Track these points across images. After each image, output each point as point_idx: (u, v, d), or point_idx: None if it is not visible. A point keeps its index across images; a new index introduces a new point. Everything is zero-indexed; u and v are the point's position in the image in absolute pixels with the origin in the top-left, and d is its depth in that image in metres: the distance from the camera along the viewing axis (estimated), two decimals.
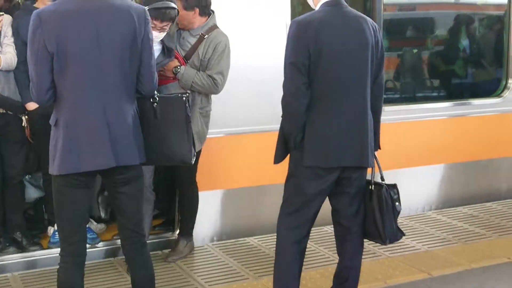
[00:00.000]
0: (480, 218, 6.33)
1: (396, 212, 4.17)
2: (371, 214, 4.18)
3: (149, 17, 3.77)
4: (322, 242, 5.62)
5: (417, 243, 5.66)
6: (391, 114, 6.28)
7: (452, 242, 5.71)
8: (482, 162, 6.93)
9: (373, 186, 4.18)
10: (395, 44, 7.29)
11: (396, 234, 4.21)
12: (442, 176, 6.76)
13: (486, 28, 7.62)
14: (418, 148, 6.54)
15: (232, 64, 5.09)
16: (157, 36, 4.57)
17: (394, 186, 4.19)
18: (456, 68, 7.51)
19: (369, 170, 4.21)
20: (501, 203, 6.77)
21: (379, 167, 4.25)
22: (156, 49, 4.65)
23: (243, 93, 5.51)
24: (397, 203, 4.16)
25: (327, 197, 4.24)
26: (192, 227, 5.33)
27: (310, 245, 5.35)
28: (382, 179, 4.21)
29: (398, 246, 5.41)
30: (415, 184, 6.57)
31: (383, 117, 5.84)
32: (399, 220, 5.65)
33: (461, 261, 5.28)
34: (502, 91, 6.96)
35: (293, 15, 5.61)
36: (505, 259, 5.34)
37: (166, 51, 4.82)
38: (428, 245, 5.62)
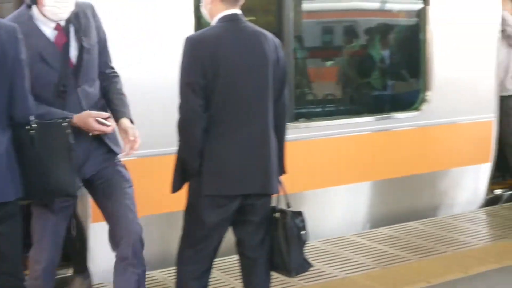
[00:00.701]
0: (400, 239, 6.08)
1: (302, 242, 3.88)
2: (276, 244, 3.87)
3: (21, 36, 3.38)
4: (232, 272, 5.26)
5: (334, 269, 5.36)
6: (306, 131, 6.03)
7: (371, 266, 5.43)
8: (403, 179, 6.74)
9: (278, 213, 3.88)
10: (313, 55, 7.04)
11: (303, 266, 3.92)
12: (361, 195, 6.53)
13: (405, 38, 7.45)
14: (334, 167, 6.28)
15: (136, 80, 4.73)
16: None
17: (299, 214, 3.90)
18: (374, 81, 7.29)
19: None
20: (423, 222, 6.56)
21: (285, 193, 3.95)
22: None
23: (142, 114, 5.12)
24: (303, 232, 3.87)
25: (230, 227, 3.93)
26: (87, 262, 4.92)
27: (220, 276, 5.03)
28: (288, 205, 3.92)
29: (314, 273, 5.08)
30: (333, 206, 6.34)
31: (297, 135, 5.68)
32: (316, 245, 5.45)
33: (380, 287, 5.03)
34: (421, 104, 6.78)
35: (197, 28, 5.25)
36: (425, 283, 5.10)
37: None
38: (345, 271, 5.32)
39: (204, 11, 3.93)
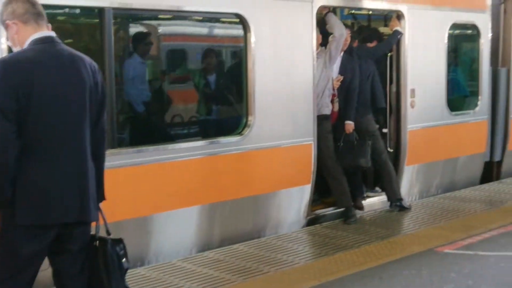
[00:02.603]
0: (226, 262, 6.13)
1: (123, 270, 3.79)
2: (96, 273, 3.75)
3: None
4: None
5: None
6: (128, 157, 5.96)
7: None
8: (229, 203, 6.82)
9: (97, 242, 3.76)
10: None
11: None
12: (187, 220, 6.53)
13: (228, 64, 7.58)
14: (159, 193, 6.23)
15: None
16: None
17: (120, 241, 3.81)
18: (200, 106, 7.33)
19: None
20: (247, 244, 6.66)
21: (105, 220, 3.85)
22: None
23: None
24: (124, 260, 3.78)
25: (47, 257, 3.75)
26: None
27: None
28: (108, 233, 3.82)
29: None
30: (160, 231, 6.30)
31: (122, 161, 5.57)
32: (140, 272, 5.35)
33: None
34: (243, 129, 6.92)
35: None
36: None
37: None
38: None
39: (10, 43, 3.77)
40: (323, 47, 7.64)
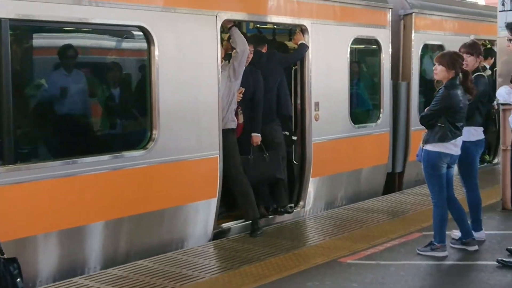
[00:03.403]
0: (129, 278, 5.99)
1: None
2: None
3: None
4: None
5: None
6: (26, 173, 5.77)
7: None
8: (133, 218, 6.71)
9: None
10: (36, 91, 6.71)
11: None
12: (89, 236, 6.39)
13: (132, 78, 7.45)
14: (57, 209, 6.06)
15: None
16: None
17: (14, 260, 3.68)
18: (103, 119, 7.16)
19: None
20: (152, 260, 6.56)
21: None
22: None
23: None
24: (18, 280, 3.65)
25: None
26: None
27: None
28: (1, 252, 3.68)
29: None
30: (59, 249, 6.13)
31: (21, 177, 5.37)
32: None
33: None
34: (147, 143, 6.83)
35: None
36: None
37: None
38: None
39: None
40: (227, 61, 7.68)
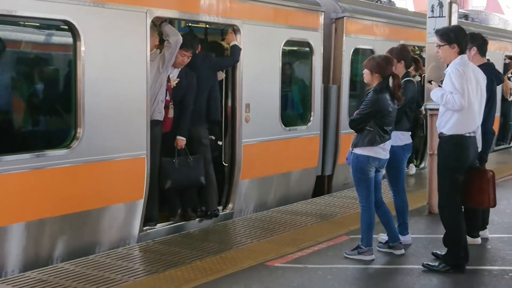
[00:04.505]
0: (49, 282, 5.76)
1: None
2: None
3: None
4: None
5: None
6: None
7: None
8: (54, 219, 6.47)
9: None
10: None
11: None
12: (11, 238, 6.11)
13: (57, 73, 7.19)
14: None
15: None
16: None
17: None
18: (24, 116, 6.88)
19: None
20: (74, 263, 6.31)
21: None
22: None
23: None
24: None
25: None
26: None
27: None
28: None
29: None
30: None
31: None
32: None
33: None
34: (71, 141, 6.59)
35: None
36: None
37: None
38: None
39: None
40: (157, 50, 7.51)
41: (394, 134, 6.79)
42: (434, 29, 7.80)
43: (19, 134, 6.71)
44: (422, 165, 12.53)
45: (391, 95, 6.55)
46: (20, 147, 6.46)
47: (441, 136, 6.39)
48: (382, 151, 6.53)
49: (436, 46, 6.52)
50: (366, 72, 6.61)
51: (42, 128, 6.95)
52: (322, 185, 10.59)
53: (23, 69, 6.76)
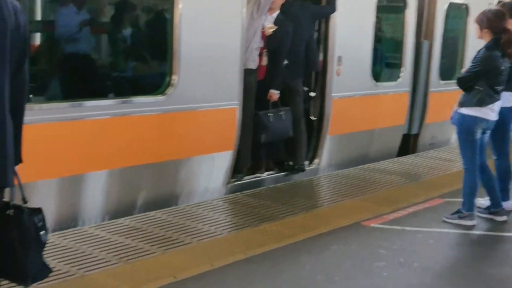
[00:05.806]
0: (143, 230, 5.70)
1: (41, 244, 3.31)
2: (9, 247, 3.24)
3: None
4: None
5: (70, 266, 4.79)
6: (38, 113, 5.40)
7: (112, 262, 4.95)
8: (146, 166, 6.37)
9: (11, 211, 3.25)
10: (46, 28, 6.29)
11: (42, 271, 3.34)
12: (98, 184, 6.05)
13: (151, 19, 7.02)
14: (68, 154, 5.72)
15: None
16: None
17: (39, 211, 3.31)
18: (117, 62, 6.76)
19: None
20: (165, 211, 6.24)
21: (21, 186, 3.33)
22: None
23: None
24: (42, 232, 3.29)
25: None
26: None
27: None
28: (25, 201, 3.31)
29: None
30: (67, 195, 5.79)
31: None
32: (52, 239, 4.84)
33: (123, 285, 4.60)
34: (166, 88, 6.43)
35: None
36: (171, 278, 4.78)
37: None
38: (83, 268, 4.79)
39: None
40: None
41: (502, 94, 6.39)
42: None
43: (113, 79, 6.60)
44: None
45: (502, 52, 6.14)
46: (113, 92, 6.36)
47: None
48: (491, 112, 6.16)
49: None
50: (476, 27, 6.22)
51: (137, 74, 6.81)
52: (407, 144, 10.23)
53: (119, 15, 6.58)
